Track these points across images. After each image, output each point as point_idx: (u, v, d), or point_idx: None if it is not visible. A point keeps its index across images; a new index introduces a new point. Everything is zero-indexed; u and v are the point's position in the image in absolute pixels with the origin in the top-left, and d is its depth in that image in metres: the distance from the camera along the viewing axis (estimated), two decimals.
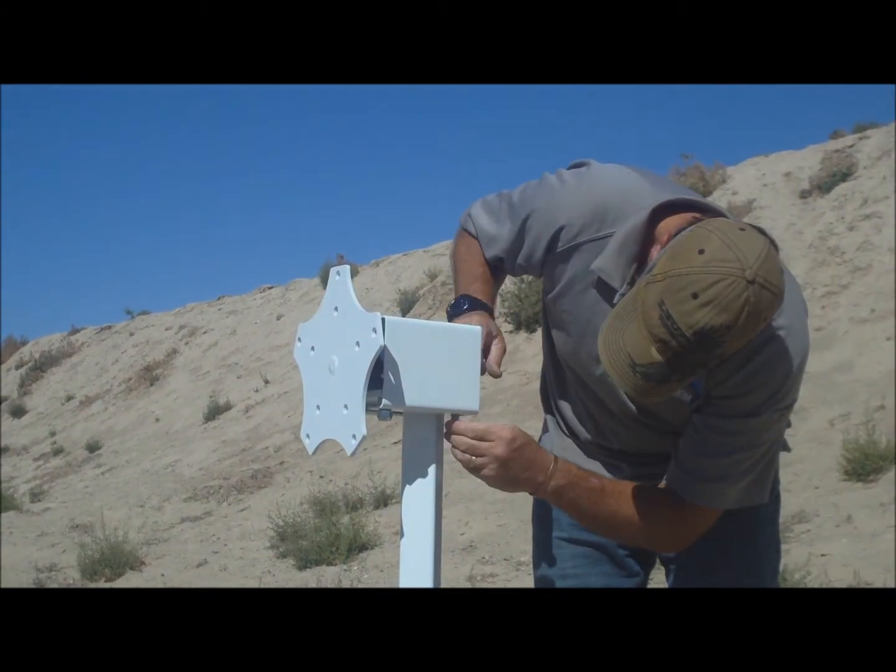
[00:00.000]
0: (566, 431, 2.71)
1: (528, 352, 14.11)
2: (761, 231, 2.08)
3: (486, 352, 2.39)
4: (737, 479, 2.34)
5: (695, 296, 1.98)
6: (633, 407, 2.49)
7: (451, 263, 2.77)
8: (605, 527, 2.43)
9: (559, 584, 2.73)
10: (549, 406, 2.79)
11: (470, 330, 2.28)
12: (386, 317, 2.11)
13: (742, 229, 2.05)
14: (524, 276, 13.08)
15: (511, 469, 2.25)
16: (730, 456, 2.31)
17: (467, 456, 2.23)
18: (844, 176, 14.06)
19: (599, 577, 2.69)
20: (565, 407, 2.70)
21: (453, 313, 2.53)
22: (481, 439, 2.22)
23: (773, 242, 2.07)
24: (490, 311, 2.59)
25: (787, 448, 2.63)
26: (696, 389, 2.32)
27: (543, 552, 2.77)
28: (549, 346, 2.70)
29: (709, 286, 1.97)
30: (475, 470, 2.24)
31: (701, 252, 2.01)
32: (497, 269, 2.68)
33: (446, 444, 2.27)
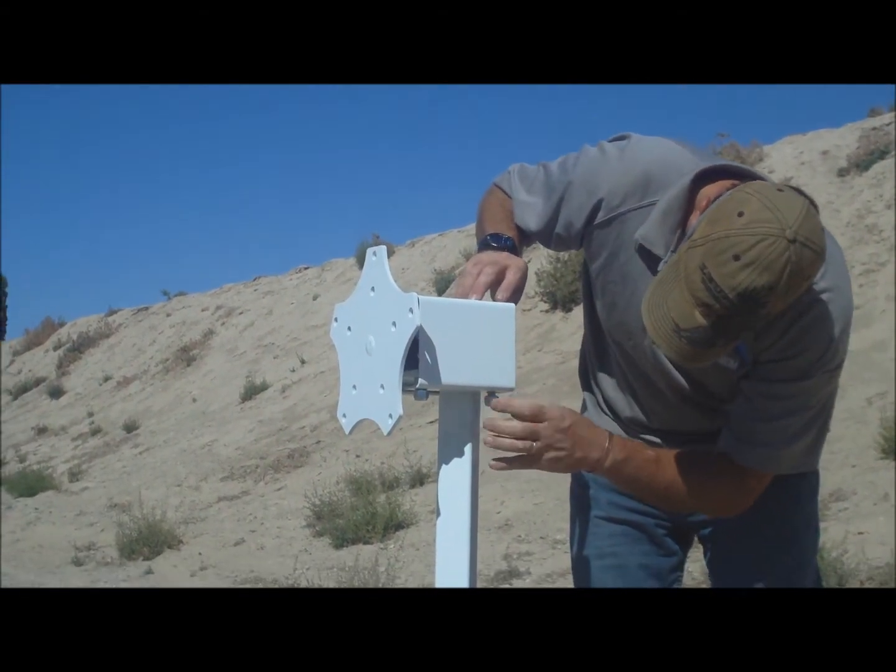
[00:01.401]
0: (605, 409, 2.70)
1: (564, 331, 14.09)
2: (800, 191, 2.08)
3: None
4: (789, 442, 2.33)
5: (736, 258, 1.98)
6: (679, 379, 2.48)
7: (478, 211, 2.71)
8: (662, 497, 2.42)
9: (596, 562, 2.72)
10: (587, 383, 2.78)
11: (504, 307, 2.27)
12: (420, 296, 2.12)
13: (780, 190, 2.05)
14: (559, 255, 12.97)
15: (565, 449, 2.22)
16: (781, 420, 2.31)
17: (527, 443, 2.18)
18: (882, 154, 13.93)
19: (637, 556, 2.68)
20: (606, 383, 2.69)
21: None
22: (535, 420, 2.19)
23: (812, 202, 2.07)
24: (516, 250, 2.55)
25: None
26: (743, 356, 2.32)
27: (581, 531, 2.77)
28: (591, 320, 2.69)
29: (750, 247, 1.98)
30: (530, 459, 2.21)
31: (740, 214, 2.01)
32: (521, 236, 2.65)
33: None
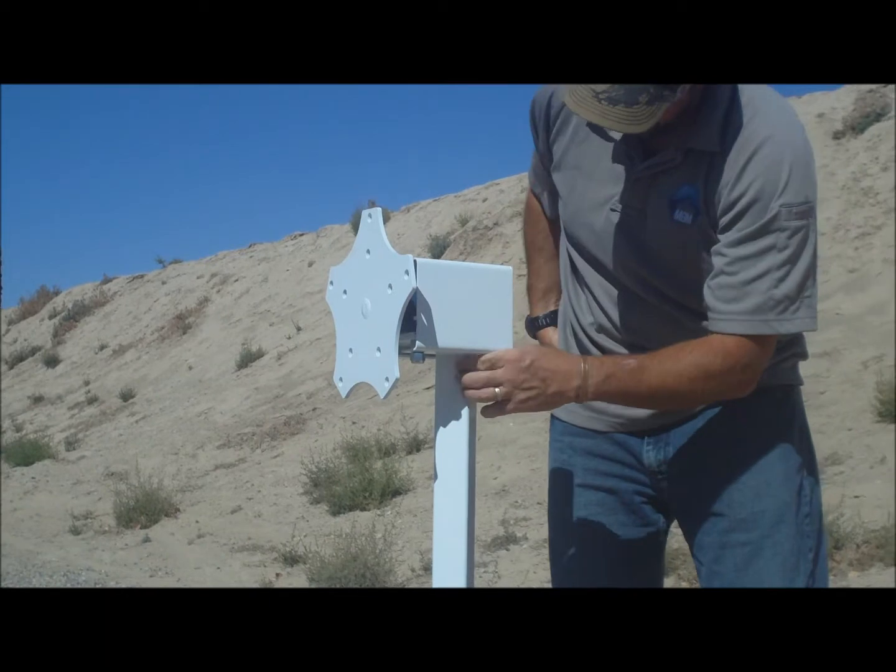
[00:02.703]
0: (584, 340, 2.66)
1: None
2: None
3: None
4: (766, 291, 2.29)
5: None
6: (644, 268, 2.48)
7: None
8: (661, 397, 2.36)
9: (572, 532, 2.70)
10: (563, 325, 2.77)
11: (501, 270, 2.26)
12: (417, 259, 2.10)
13: None
14: None
15: (535, 387, 2.21)
16: (754, 269, 2.29)
17: (489, 390, 2.19)
18: (878, 116, 13.90)
19: (614, 527, 2.65)
20: (582, 309, 2.66)
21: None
22: (492, 368, 2.20)
23: None
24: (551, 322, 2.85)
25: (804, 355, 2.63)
26: (695, 203, 2.37)
27: (557, 499, 2.76)
28: (564, 251, 2.70)
29: None
30: (503, 403, 2.22)
31: None
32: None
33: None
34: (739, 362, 2.33)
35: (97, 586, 8.26)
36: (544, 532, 7.54)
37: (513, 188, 19.16)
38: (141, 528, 10.16)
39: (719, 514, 2.53)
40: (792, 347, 2.56)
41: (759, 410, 2.52)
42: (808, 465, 2.59)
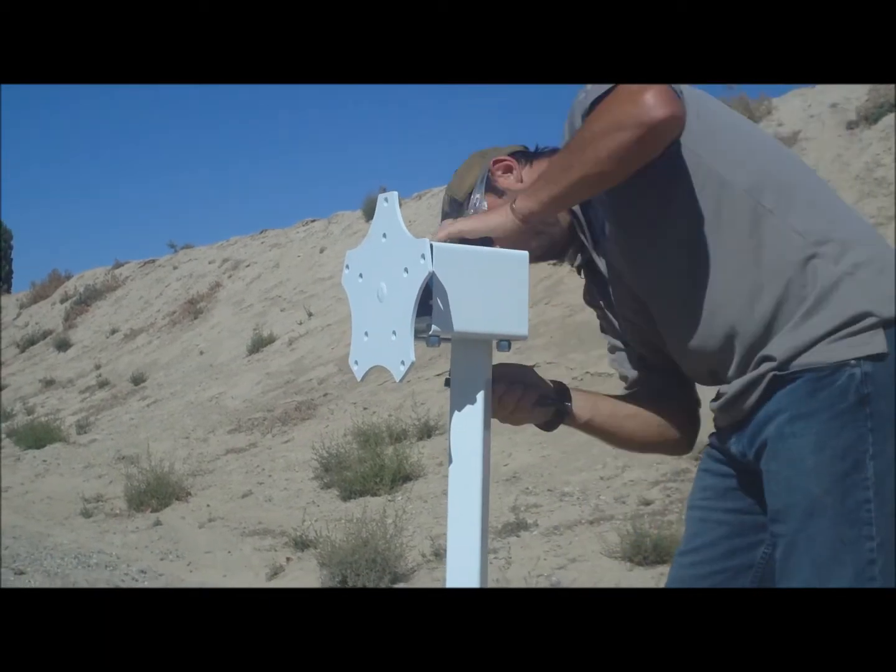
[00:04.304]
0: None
1: (570, 284, 14.03)
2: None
3: None
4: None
5: None
6: (655, 304, 2.54)
7: None
8: (582, 166, 2.28)
9: (688, 514, 2.74)
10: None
11: (517, 255, 2.26)
12: (434, 242, 2.11)
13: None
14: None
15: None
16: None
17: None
18: (892, 106, 13.86)
19: (720, 513, 2.65)
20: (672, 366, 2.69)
21: None
22: None
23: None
24: None
25: None
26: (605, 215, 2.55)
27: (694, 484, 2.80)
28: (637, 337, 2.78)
29: None
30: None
31: None
32: None
33: None
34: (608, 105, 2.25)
35: (108, 569, 8.31)
36: (555, 519, 7.60)
37: None
38: (152, 512, 10.19)
39: (767, 504, 2.48)
40: (830, 320, 2.37)
41: (794, 395, 2.40)
42: (863, 447, 2.37)
